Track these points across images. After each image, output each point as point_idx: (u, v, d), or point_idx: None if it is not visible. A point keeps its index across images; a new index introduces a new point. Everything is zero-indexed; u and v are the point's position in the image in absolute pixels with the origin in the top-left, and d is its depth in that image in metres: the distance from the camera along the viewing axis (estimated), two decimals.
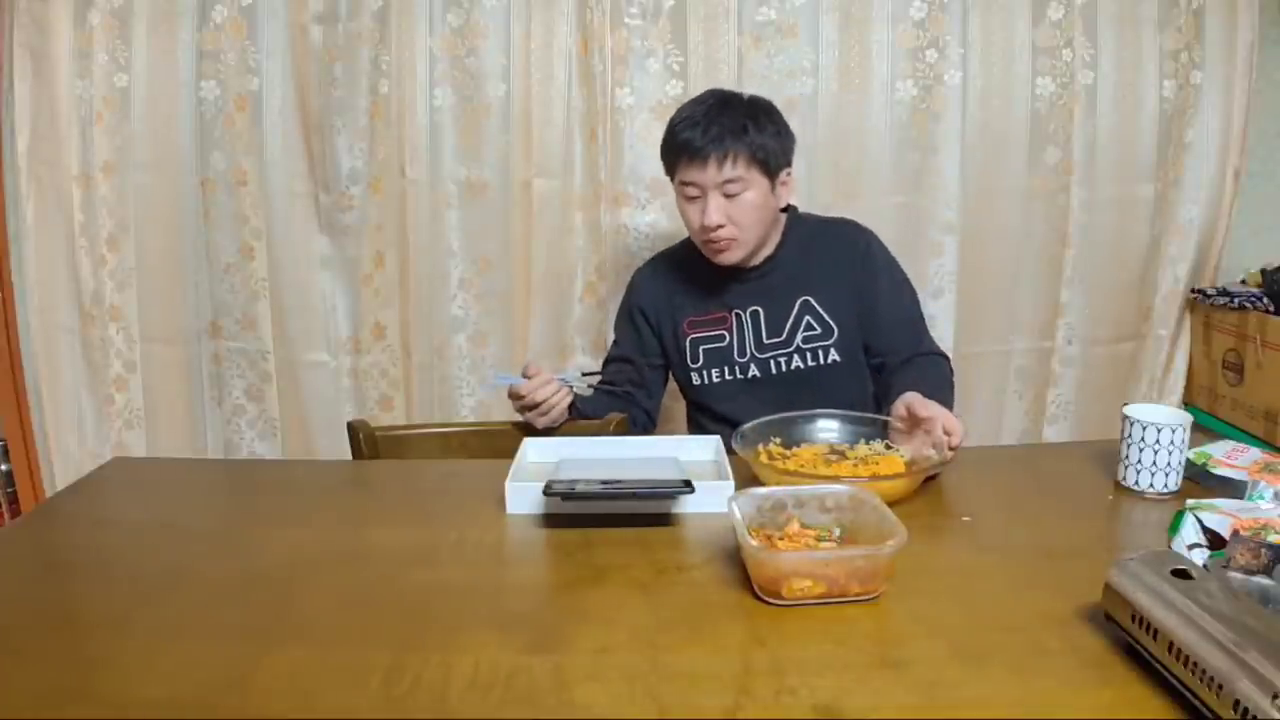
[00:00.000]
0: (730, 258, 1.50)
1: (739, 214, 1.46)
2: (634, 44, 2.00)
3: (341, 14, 1.99)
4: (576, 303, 2.14)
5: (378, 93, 2.01)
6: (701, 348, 1.59)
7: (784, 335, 1.55)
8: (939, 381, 1.48)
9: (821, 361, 1.54)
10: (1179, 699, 0.69)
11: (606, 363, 1.68)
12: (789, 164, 1.52)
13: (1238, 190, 2.13)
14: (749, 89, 1.99)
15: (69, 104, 2.05)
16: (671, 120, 1.50)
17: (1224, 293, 2.09)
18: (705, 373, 1.59)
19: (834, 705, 0.70)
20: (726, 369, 1.58)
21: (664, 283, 1.64)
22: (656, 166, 2.03)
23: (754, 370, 1.56)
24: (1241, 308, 2.04)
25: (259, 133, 2.05)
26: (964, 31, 2.00)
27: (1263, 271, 2.08)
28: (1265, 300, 2.00)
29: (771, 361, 1.55)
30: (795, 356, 1.54)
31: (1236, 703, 0.62)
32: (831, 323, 1.53)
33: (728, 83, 2.00)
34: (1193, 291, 2.18)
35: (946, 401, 1.50)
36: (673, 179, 1.52)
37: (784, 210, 1.59)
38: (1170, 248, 2.16)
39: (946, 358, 1.58)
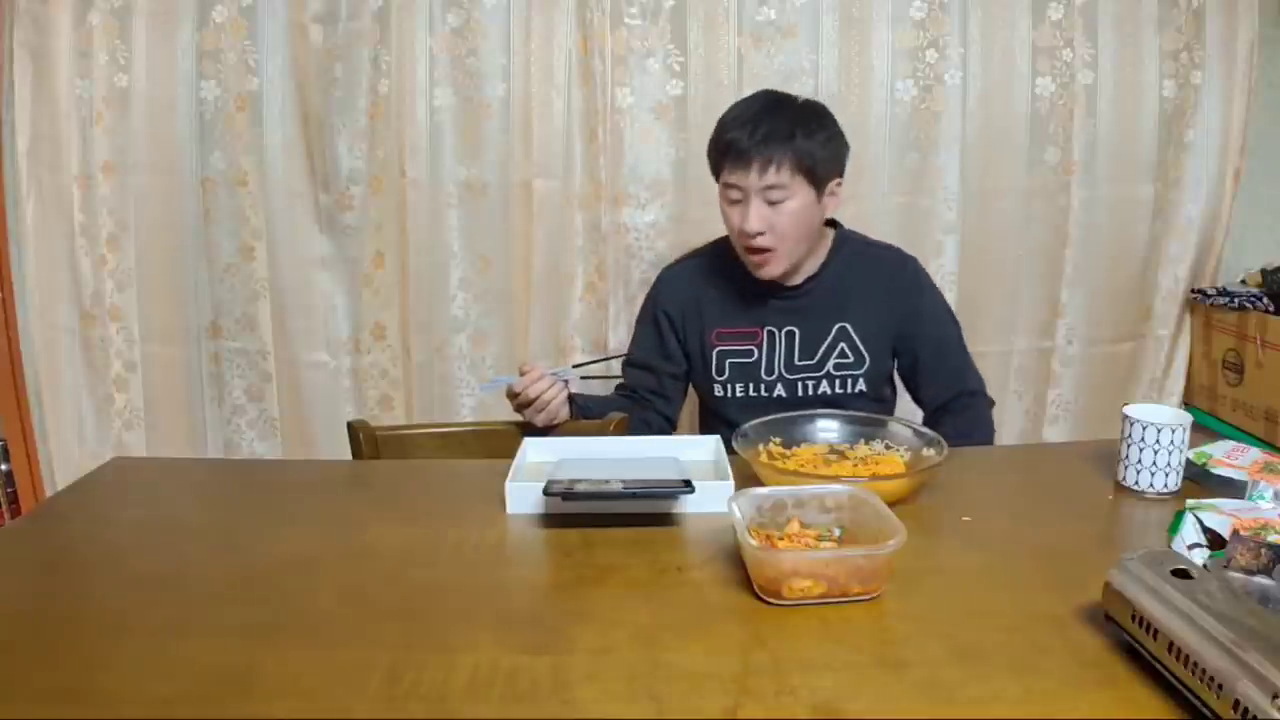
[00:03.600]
0: (770, 271, 1.46)
1: (780, 222, 1.41)
2: (634, 44, 2.00)
3: (341, 14, 1.99)
4: (576, 303, 2.14)
5: (378, 93, 2.01)
6: (728, 361, 1.55)
7: (816, 359, 1.52)
8: (978, 430, 1.51)
9: (849, 390, 1.52)
10: (1179, 699, 0.69)
11: (626, 365, 1.64)
12: (840, 173, 1.47)
13: (1238, 190, 2.13)
14: (749, 89, 1.99)
15: (69, 104, 2.05)
16: (721, 118, 1.46)
17: (1224, 293, 2.09)
18: (729, 386, 1.55)
19: (834, 705, 0.70)
20: (751, 386, 1.54)
21: (694, 286, 1.58)
22: (657, 166, 2.06)
23: (780, 390, 1.53)
24: (1241, 308, 2.04)
25: (259, 133, 2.05)
26: (964, 31, 2.01)
27: (1263, 271, 2.08)
28: (1265, 300, 2.00)
29: (799, 384, 1.52)
30: (824, 382, 1.52)
31: (1236, 703, 0.62)
32: (865, 352, 1.51)
33: (728, 83, 2.01)
34: (1193, 291, 2.18)
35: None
36: (717, 179, 1.47)
37: (832, 225, 1.55)
38: (1170, 248, 2.16)
39: (983, 392, 1.56)
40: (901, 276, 1.54)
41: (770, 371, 1.54)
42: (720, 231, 1.58)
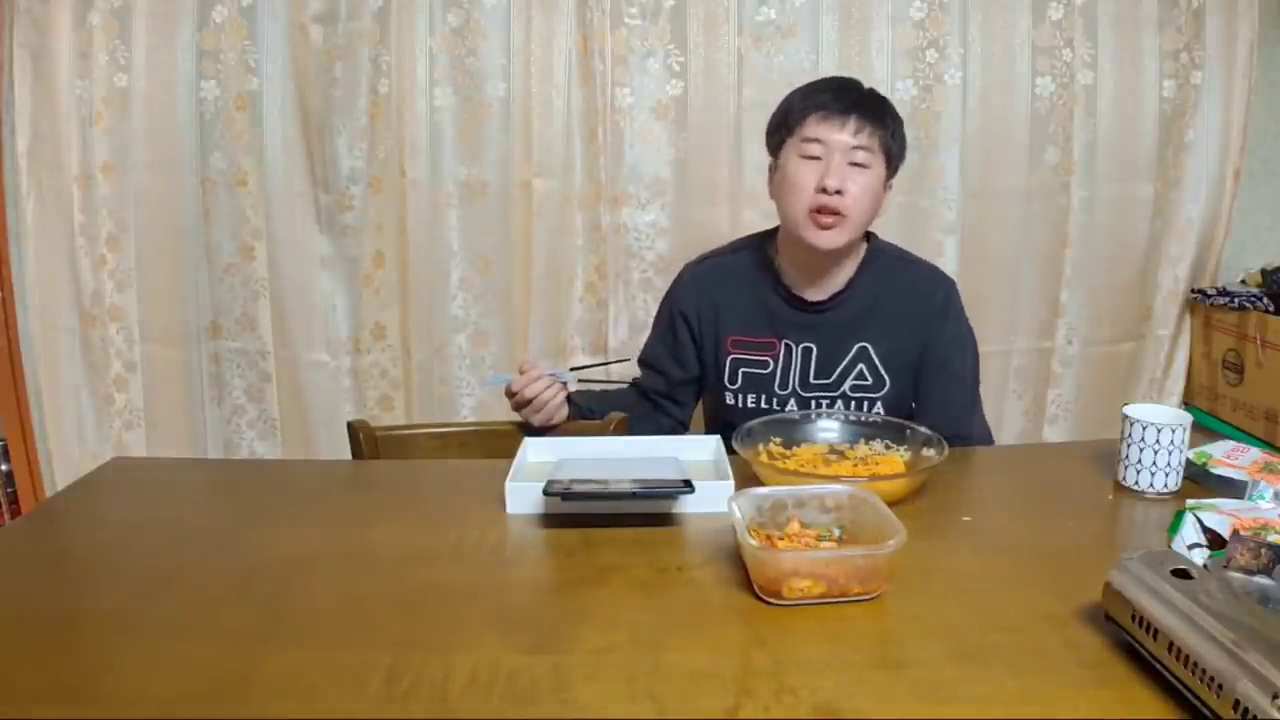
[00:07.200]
0: (833, 240, 1.36)
1: (857, 191, 1.34)
2: (634, 44, 2.00)
3: (341, 14, 1.99)
4: (576, 303, 2.14)
5: (378, 93, 2.01)
6: (742, 370, 1.49)
7: (832, 379, 1.46)
8: None
9: (865, 413, 1.44)
10: (1179, 699, 0.69)
11: (640, 363, 1.60)
12: (894, 175, 1.43)
13: (1238, 190, 2.13)
14: (749, 89, 2.01)
15: (69, 104, 2.05)
16: (799, 89, 1.42)
17: (1224, 293, 2.09)
18: (741, 396, 1.50)
19: (834, 705, 0.70)
20: (764, 398, 1.49)
21: (714, 289, 1.51)
22: (656, 166, 2.06)
23: (793, 405, 1.47)
24: (1241, 308, 2.04)
25: (259, 133, 2.05)
26: (964, 31, 2.00)
27: (1263, 271, 2.08)
28: (1265, 300, 2.00)
29: (813, 402, 1.46)
30: (839, 403, 1.46)
31: (1236, 703, 0.62)
32: (885, 375, 1.45)
33: (728, 83, 2.01)
34: (1193, 291, 2.18)
35: None
36: (784, 143, 1.40)
37: (865, 237, 1.48)
38: (1170, 248, 2.16)
39: (984, 438, 1.52)
40: (932, 300, 1.47)
41: (784, 386, 1.48)
42: (724, 235, 1.57)
